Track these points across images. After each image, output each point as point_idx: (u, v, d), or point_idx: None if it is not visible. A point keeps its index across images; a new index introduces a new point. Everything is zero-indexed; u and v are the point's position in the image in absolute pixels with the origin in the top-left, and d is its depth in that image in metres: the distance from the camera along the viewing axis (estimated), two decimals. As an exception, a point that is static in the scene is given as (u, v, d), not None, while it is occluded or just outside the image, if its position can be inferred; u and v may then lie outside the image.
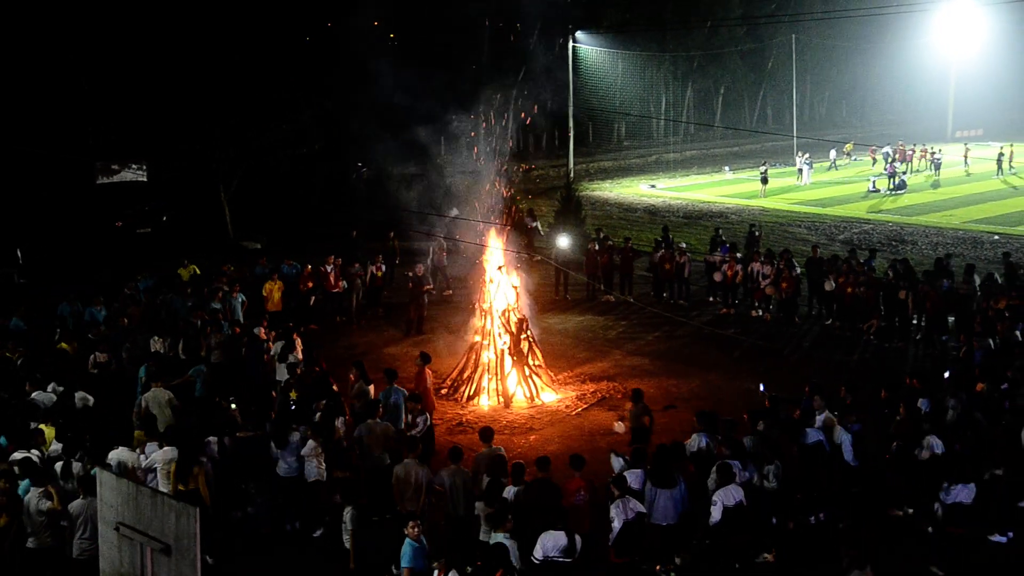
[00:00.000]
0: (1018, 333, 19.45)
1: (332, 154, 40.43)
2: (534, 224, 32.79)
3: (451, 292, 27.55)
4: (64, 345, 19.13)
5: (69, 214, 35.56)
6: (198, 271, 25.87)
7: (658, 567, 12.29)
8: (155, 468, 13.06)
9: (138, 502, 9.18)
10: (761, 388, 16.47)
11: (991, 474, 13.35)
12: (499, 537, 11.08)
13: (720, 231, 30.60)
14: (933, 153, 54.02)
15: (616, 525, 11.69)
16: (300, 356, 18.63)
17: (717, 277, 26.58)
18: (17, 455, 12.93)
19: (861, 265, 24.55)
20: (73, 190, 37.06)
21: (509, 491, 12.14)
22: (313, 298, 24.74)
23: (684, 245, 28.03)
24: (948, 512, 12.47)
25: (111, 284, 25.00)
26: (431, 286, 25.47)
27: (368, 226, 31.63)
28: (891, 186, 47.18)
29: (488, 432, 13.93)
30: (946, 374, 17.04)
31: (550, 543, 11.06)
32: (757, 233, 30.47)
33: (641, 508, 11.92)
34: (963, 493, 12.40)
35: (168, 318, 21.37)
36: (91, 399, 16.10)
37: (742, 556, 12.52)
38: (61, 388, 16.23)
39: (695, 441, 13.67)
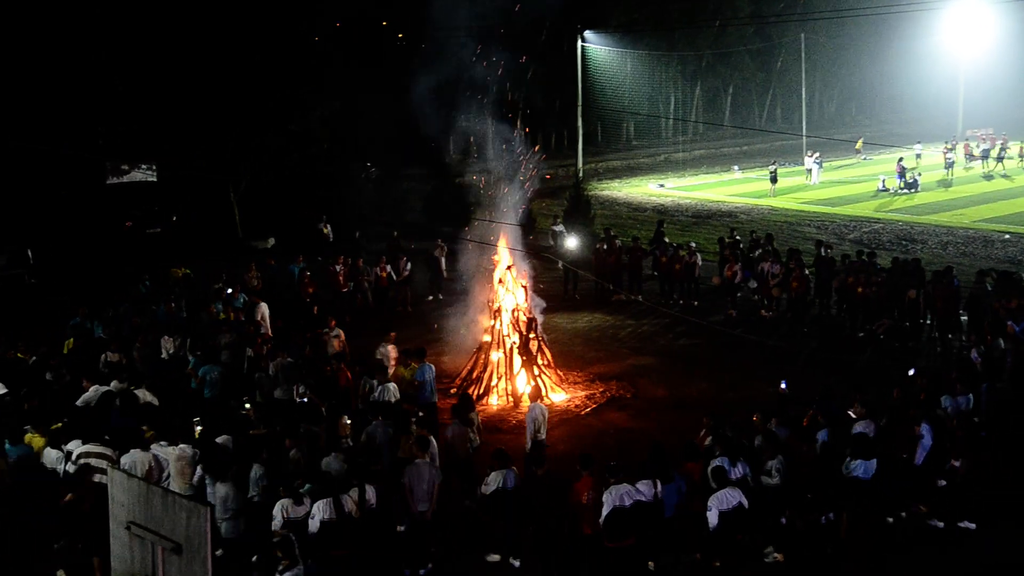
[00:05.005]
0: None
1: (339, 154, 40.48)
2: (559, 228, 32.46)
3: (432, 298, 27.02)
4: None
5: (79, 214, 35.68)
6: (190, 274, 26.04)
7: (651, 564, 12.37)
8: (166, 465, 13.11)
9: (149, 501, 9.21)
10: (783, 386, 16.35)
11: None
12: None
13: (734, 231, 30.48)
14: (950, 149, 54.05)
15: (605, 510, 11.82)
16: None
17: (716, 280, 26.66)
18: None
19: (873, 266, 24.39)
20: (83, 190, 37.19)
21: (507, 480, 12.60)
22: (316, 308, 24.57)
23: (694, 245, 27.99)
24: (844, 485, 12.95)
25: (119, 284, 25.11)
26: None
27: (372, 227, 31.86)
28: (901, 185, 47.01)
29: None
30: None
31: (500, 478, 12.53)
32: (735, 238, 29.17)
33: (641, 496, 11.99)
34: (860, 468, 12.89)
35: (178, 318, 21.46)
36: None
37: (749, 556, 12.53)
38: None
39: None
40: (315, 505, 11.67)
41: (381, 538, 12.45)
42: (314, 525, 11.59)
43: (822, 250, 26.03)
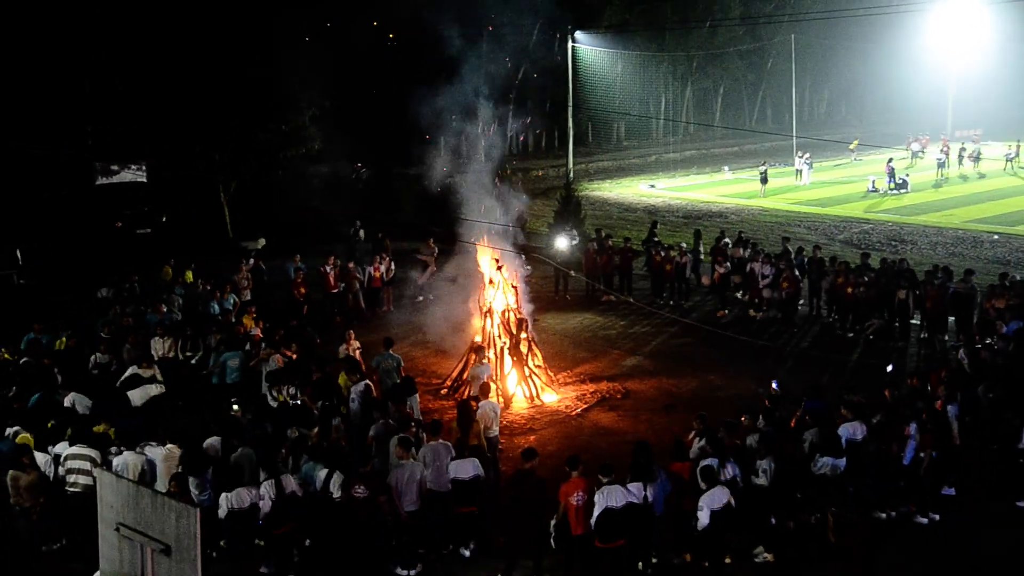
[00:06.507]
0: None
1: (330, 154, 40.41)
2: (571, 232, 32.27)
3: (422, 299, 26.80)
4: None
5: (69, 215, 35.50)
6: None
7: (640, 564, 12.40)
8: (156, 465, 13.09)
9: (138, 503, 9.17)
10: (774, 385, 16.36)
11: None
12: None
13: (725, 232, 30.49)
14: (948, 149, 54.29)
15: (596, 511, 11.82)
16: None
17: (705, 280, 26.74)
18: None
19: (862, 268, 24.45)
20: (73, 191, 37.03)
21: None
22: (306, 307, 24.56)
23: (684, 245, 28.03)
24: (812, 480, 13.13)
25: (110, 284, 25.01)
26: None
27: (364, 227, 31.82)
28: (891, 185, 47.15)
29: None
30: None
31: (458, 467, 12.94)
32: (726, 240, 28.92)
33: (633, 498, 11.99)
34: (828, 466, 13.13)
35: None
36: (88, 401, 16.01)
37: (739, 556, 12.56)
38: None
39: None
40: (262, 486, 12.28)
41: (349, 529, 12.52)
42: (266, 506, 12.22)
43: (789, 246, 26.42)
